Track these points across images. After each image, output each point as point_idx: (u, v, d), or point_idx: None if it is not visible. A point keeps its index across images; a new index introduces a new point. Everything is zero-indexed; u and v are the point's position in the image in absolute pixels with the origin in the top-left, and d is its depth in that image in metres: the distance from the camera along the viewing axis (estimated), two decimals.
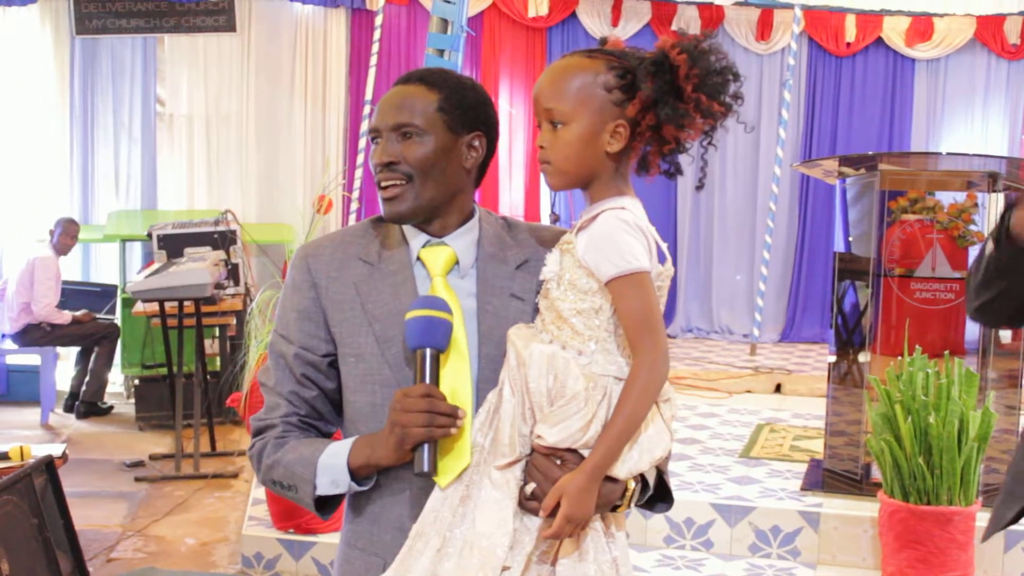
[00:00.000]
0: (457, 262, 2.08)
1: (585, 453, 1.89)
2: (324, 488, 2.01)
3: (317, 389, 2.11)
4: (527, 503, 1.91)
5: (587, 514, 1.88)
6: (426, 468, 1.90)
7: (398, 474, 2.01)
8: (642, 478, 1.99)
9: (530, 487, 1.90)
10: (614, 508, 1.97)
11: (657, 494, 2.09)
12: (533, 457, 1.91)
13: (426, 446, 1.90)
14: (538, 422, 1.90)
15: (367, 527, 2.06)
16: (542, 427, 1.89)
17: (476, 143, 2.09)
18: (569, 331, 1.93)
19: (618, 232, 1.92)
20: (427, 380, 1.93)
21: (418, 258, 2.08)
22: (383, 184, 2.05)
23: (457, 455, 1.94)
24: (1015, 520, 2.47)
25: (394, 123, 2.04)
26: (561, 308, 1.94)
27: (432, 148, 2.04)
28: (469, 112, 2.08)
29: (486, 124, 2.11)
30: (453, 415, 1.90)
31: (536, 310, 2.03)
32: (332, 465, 2.01)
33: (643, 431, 1.92)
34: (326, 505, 2.08)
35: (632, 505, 2.01)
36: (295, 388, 2.11)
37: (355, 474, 2.00)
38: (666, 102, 1.92)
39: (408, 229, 2.11)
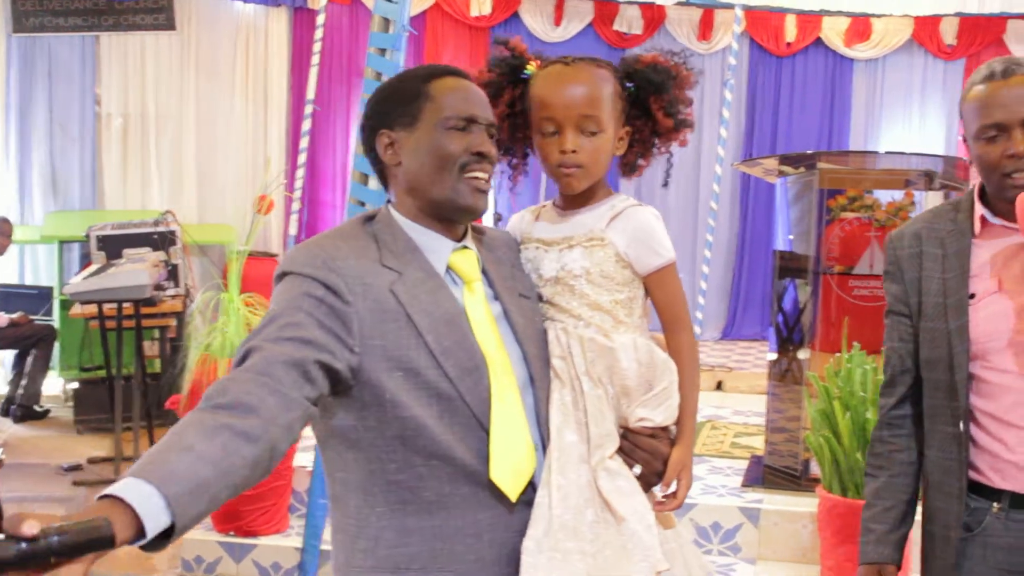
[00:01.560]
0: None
1: (672, 428, 2.08)
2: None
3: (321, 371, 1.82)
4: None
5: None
6: None
7: (469, 479, 1.92)
8: None
9: (637, 469, 2.03)
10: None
11: None
12: (636, 439, 2.04)
13: None
14: (635, 406, 2.03)
15: (427, 543, 1.92)
16: (643, 411, 2.03)
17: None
18: (610, 320, 2.06)
19: (656, 225, 2.11)
20: None
21: (448, 266, 2.02)
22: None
23: (521, 464, 1.94)
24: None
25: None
26: (601, 301, 2.06)
27: None
28: None
29: None
30: None
31: (542, 305, 2.12)
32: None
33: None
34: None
35: None
36: (307, 335, 1.81)
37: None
38: (680, 112, 2.15)
39: (417, 231, 2.03)
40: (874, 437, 2.64)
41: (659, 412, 2.03)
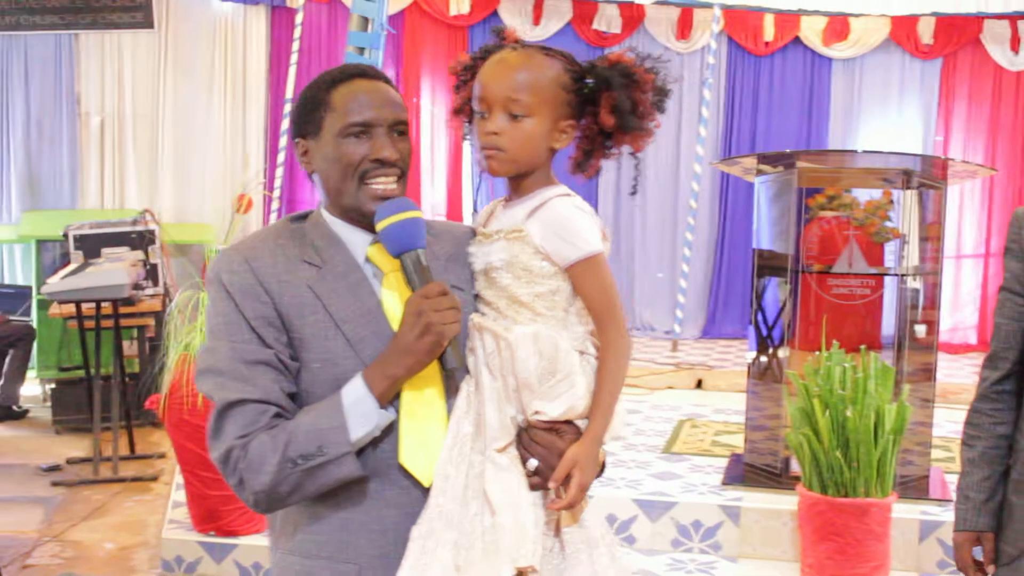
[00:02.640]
0: None
1: (580, 423, 2.01)
2: (357, 429, 1.92)
3: (294, 390, 2.00)
4: (529, 479, 1.98)
5: (592, 480, 2.00)
6: (454, 364, 1.97)
7: (376, 475, 1.97)
8: None
9: (533, 463, 1.98)
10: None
11: None
12: (533, 433, 1.99)
13: (455, 341, 1.97)
14: (534, 399, 1.98)
15: (335, 533, 1.99)
16: (540, 403, 1.98)
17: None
18: (528, 314, 2.02)
19: (575, 217, 2.04)
20: (429, 279, 1.99)
21: (367, 258, 2.06)
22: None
23: (434, 449, 1.97)
24: None
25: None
26: (519, 294, 2.02)
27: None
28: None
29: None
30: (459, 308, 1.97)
31: (475, 299, 2.10)
32: (357, 400, 1.93)
33: None
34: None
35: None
36: (284, 387, 1.97)
37: (379, 402, 1.94)
38: (630, 112, 2.06)
39: (342, 227, 2.08)
40: (974, 408, 2.70)
41: (555, 405, 1.98)
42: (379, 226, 1.99)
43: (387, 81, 2.11)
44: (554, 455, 1.97)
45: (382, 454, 1.97)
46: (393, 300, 2.03)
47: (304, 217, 2.14)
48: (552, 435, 1.99)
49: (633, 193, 2.28)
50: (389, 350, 1.95)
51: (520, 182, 2.10)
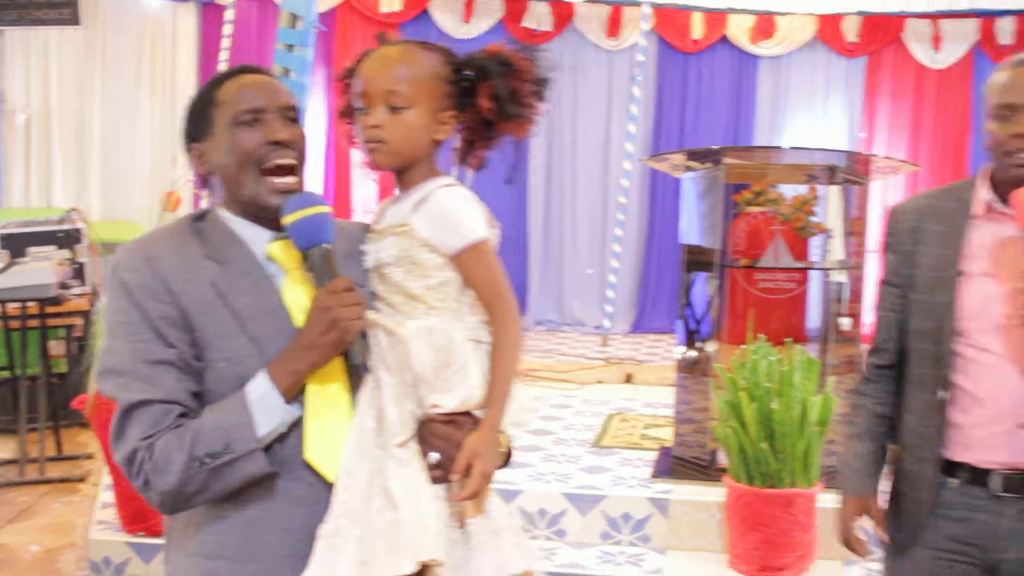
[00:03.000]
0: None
1: (479, 413, 2.01)
2: (264, 425, 1.92)
3: (199, 389, 1.99)
4: (432, 472, 1.98)
5: (495, 468, 1.99)
6: (359, 359, 1.98)
7: (284, 472, 1.96)
8: None
9: (434, 456, 1.98)
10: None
11: None
12: (432, 427, 2.00)
13: (359, 336, 1.98)
14: (431, 392, 1.98)
15: (238, 532, 1.97)
16: (436, 396, 1.99)
17: None
18: (422, 307, 2.03)
19: (457, 206, 2.07)
20: (336, 275, 1.99)
21: (267, 255, 2.06)
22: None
23: (340, 444, 1.97)
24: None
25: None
26: (410, 288, 2.04)
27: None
28: None
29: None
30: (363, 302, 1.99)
31: (371, 297, 2.09)
32: (261, 396, 1.93)
33: None
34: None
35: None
36: (188, 386, 1.96)
37: (284, 397, 1.94)
38: (508, 99, 2.09)
39: (240, 224, 2.08)
40: (855, 390, 2.84)
41: (451, 397, 1.99)
42: (287, 220, 2.00)
43: (272, 76, 2.14)
44: (453, 447, 1.98)
45: (289, 451, 1.96)
46: (295, 297, 2.03)
47: (203, 216, 2.12)
48: (451, 427, 2.00)
49: (509, 182, 2.27)
50: (294, 345, 1.96)
51: (405, 176, 2.13)
